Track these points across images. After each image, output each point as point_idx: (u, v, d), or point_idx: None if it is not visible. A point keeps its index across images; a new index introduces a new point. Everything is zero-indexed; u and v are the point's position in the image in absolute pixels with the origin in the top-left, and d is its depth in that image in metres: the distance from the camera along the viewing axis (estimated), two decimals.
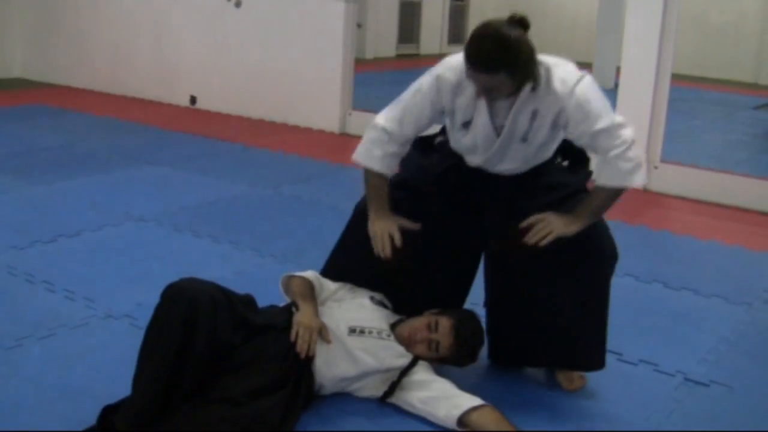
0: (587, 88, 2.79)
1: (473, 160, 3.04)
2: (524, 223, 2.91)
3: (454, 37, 16.96)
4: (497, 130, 2.90)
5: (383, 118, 3.04)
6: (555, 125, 2.87)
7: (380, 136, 3.03)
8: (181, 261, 4.35)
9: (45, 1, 10.45)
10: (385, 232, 3.05)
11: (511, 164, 2.99)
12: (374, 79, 11.10)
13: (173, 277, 2.72)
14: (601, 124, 2.76)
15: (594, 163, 2.99)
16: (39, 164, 6.41)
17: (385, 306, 3.18)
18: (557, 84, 2.78)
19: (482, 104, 2.85)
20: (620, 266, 3.09)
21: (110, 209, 5.21)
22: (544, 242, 2.86)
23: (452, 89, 2.90)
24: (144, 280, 4.01)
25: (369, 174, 3.09)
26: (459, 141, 3.03)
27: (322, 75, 8.08)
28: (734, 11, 15.40)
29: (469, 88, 2.82)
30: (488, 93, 2.75)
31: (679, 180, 6.39)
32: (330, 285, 3.21)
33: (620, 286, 3.39)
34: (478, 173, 3.07)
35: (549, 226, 2.87)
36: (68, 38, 10.29)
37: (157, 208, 5.25)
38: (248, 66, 8.61)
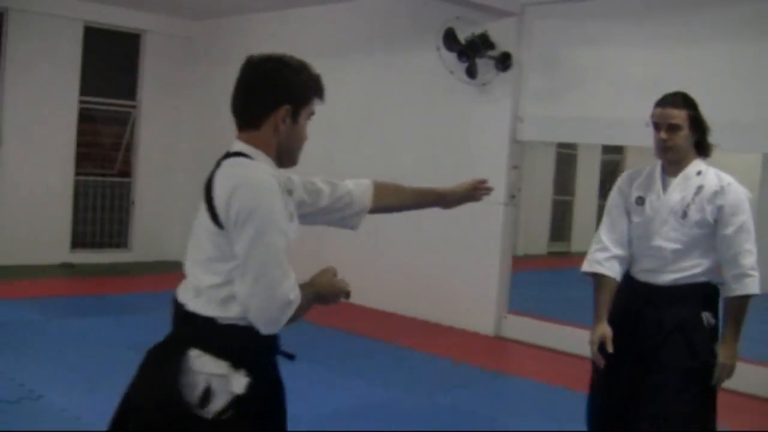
0: (740, 186, 3.45)
1: (636, 245, 3.56)
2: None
3: None
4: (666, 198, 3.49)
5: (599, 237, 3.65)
6: (713, 203, 3.40)
7: (601, 246, 3.60)
8: None
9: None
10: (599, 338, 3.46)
11: (668, 243, 3.44)
12: (527, 279, 10.92)
13: None
14: (744, 218, 3.40)
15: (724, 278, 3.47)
16: None
17: None
18: (717, 173, 3.48)
19: (656, 181, 3.53)
20: None
21: None
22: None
23: (629, 176, 3.67)
24: None
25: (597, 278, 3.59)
26: (634, 227, 3.57)
27: (478, 276, 7.96)
28: None
29: (644, 173, 3.60)
30: (669, 129, 3.41)
31: None
32: None
33: None
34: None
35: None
36: None
37: (310, 411, 5.10)
38: (402, 263, 8.59)
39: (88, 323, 7.19)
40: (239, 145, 2.45)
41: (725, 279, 3.44)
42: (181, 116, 11.18)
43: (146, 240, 11.02)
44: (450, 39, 7.57)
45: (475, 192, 3.03)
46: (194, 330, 2.37)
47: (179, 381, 2.32)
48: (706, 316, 3.45)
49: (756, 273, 3.40)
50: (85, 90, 10.32)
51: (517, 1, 7.62)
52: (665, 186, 3.51)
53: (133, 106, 10.86)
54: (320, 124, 9.93)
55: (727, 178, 3.47)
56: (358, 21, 9.17)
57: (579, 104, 7.35)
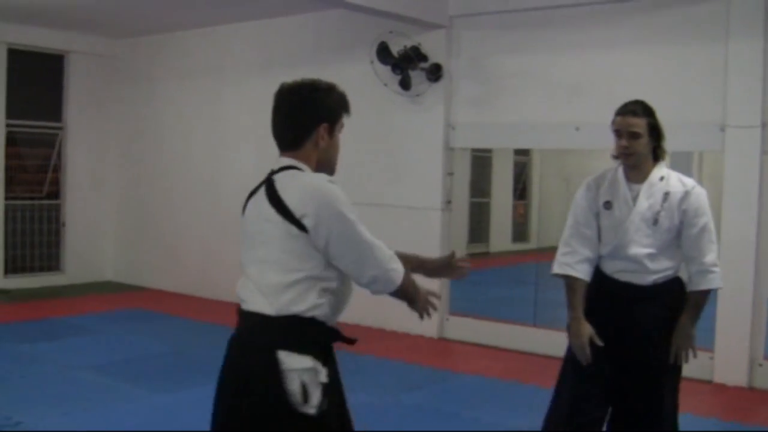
0: (701, 189, 3.75)
1: (611, 251, 3.78)
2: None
3: (518, 236, 17.23)
4: (633, 201, 3.74)
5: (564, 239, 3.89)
6: (679, 208, 3.69)
7: (570, 249, 3.83)
8: None
9: (138, 205, 10.96)
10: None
11: (643, 249, 3.69)
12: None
13: None
14: (706, 220, 3.71)
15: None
16: (155, 372, 6.54)
17: None
18: (679, 177, 3.77)
19: (621, 185, 3.77)
20: None
21: None
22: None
23: (595, 181, 3.88)
24: None
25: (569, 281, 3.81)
26: (603, 230, 3.81)
27: (420, 279, 8.18)
28: None
29: (607, 178, 3.83)
30: (630, 137, 3.68)
31: None
32: None
33: None
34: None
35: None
36: (160, 242, 10.69)
37: None
38: None
39: (40, 348, 7.19)
40: (287, 161, 2.74)
41: (690, 274, 3.77)
42: (108, 135, 11.17)
43: (79, 261, 10.97)
44: (383, 52, 7.83)
45: (455, 270, 3.15)
46: (276, 331, 2.59)
47: (283, 384, 2.54)
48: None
49: (718, 269, 3.73)
50: (10, 113, 10.23)
51: (445, 13, 7.93)
52: (632, 192, 3.76)
53: (60, 128, 10.81)
54: (250, 141, 10.10)
55: (690, 182, 3.77)
56: (286, 37, 9.32)
57: (509, 110, 7.70)
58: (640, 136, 3.72)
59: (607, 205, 3.81)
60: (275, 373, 2.55)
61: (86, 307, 9.41)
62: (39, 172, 10.79)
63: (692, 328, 3.76)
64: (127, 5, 9.08)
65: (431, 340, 8.11)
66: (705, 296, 3.77)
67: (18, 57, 10.30)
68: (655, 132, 3.77)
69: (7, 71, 10.17)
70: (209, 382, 6.04)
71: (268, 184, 2.69)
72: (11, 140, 10.37)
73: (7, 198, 10.33)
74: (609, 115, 7.06)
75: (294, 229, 2.58)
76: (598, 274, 3.87)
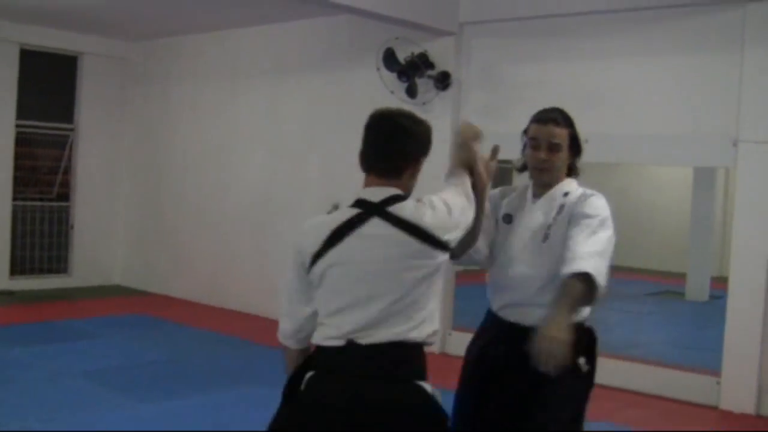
0: (599, 196, 3.16)
1: (495, 274, 3.26)
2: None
3: None
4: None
5: None
6: (568, 214, 3.10)
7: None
8: None
9: (148, 209, 10.87)
10: None
11: (529, 269, 3.11)
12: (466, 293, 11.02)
13: None
14: (595, 223, 3.02)
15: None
16: (145, 381, 6.41)
17: None
18: (584, 192, 3.18)
19: (527, 201, 3.25)
20: None
21: None
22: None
23: (502, 191, 3.39)
24: None
25: None
26: (496, 247, 3.24)
27: None
28: None
29: (517, 190, 3.33)
30: (550, 149, 3.16)
31: None
32: None
33: None
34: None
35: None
36: (169, 247, 10.59)
37: None
38: None
39: (35, 351, 7.09)
40: (391, 191, 2.69)
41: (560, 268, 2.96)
42: (119, 138, 11.11)
43: (87, 264, 10.90)
44: (390, 59, 7.68)
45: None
46: (412, 360, 2.64)
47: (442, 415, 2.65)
48: (582, 362, 3.03)
49: (595, 261, 2.89)
50: (21, 113, 10.19)
51: (455, 20, 7.75)
52: (530, 208, 3.24)
53: (71, 129, 10.75)
54: (262, 145, 10.01)
55: (590, 192, 3.18)
56: (297, 41, 9.22)
57: (519, 120, 7.46)
58: (560, 149, 3.19)
59: (507, 218, 3.28)
60: (436, 407, 2.65)
61: (90, 310, 9.33)
62: (49, 174, 10.74)
63: (559, 324, 2.68)
64: (141, 8, 9.02)
65: (433, 355, 7.88)
66: (575, 286, 2.83)
67: (31, 57, 10.26)
68: (576, 145, 3.25)
69: (19, 72, 10.12)
70: (197, 393, 6.01)
71: (389, 215, 2.64)
72: (22, 141, 10.33)
73: (16, 199, 10.28)
74: (620, 127, 6.95)
75: (442, 253, 2.71)
76: (489, 312, 3.32)
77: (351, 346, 2.57)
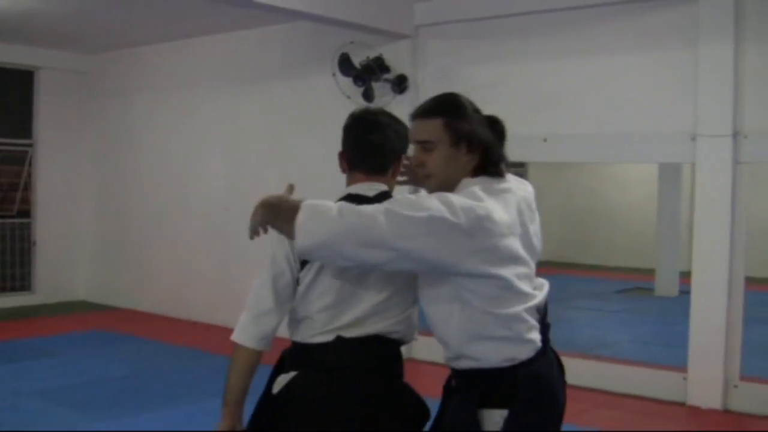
0: (468, 183, 2.49)
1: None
2: None
3: None
4: None
5: None
6: None
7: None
8: None
9: (111, 223, 10.73)
10: None
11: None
12: None
13: None
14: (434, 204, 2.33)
15: None
16: (104, 398, 6.29)
17: None
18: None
19: None
20: None
21: None
22: None
23: None
24: None
25: None
26: None
27: None
28: None
29: None
30: (421, 149, 2.53)
31: (764, 398, 6.04)
32: None
33: None
34: None
35: None
36: (133, 260, 10.45)
37: None
38: None
39: None
40: (381, 187, 2.75)
41: None
42: (80, 152, 10.96)
43: (50, 281, 10.73)
44: (345, 64, 7.59)
45: None
46: (395, 356, 2.79)
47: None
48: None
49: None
50: None
51: (410, 23, 7.69)
52: None
53: (30, 145, 10.59)
54: (222, 155, 9.91)
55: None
56: (255, 49, 9.11)
57: None
58: (433, 147, 2.50)
59: None
60: None
61: (53, 328, 9.17)
62: (10, 191, 10.56)
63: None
64: (97, 19, 8.87)
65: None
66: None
67: None
68: (474, 140, 2.52)
69: None
70: (159, 408, 5.89)
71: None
72: None
73: None
74: (579, 126, 6.89)
75: None
76: None
77: (339, 341, 2.62)
